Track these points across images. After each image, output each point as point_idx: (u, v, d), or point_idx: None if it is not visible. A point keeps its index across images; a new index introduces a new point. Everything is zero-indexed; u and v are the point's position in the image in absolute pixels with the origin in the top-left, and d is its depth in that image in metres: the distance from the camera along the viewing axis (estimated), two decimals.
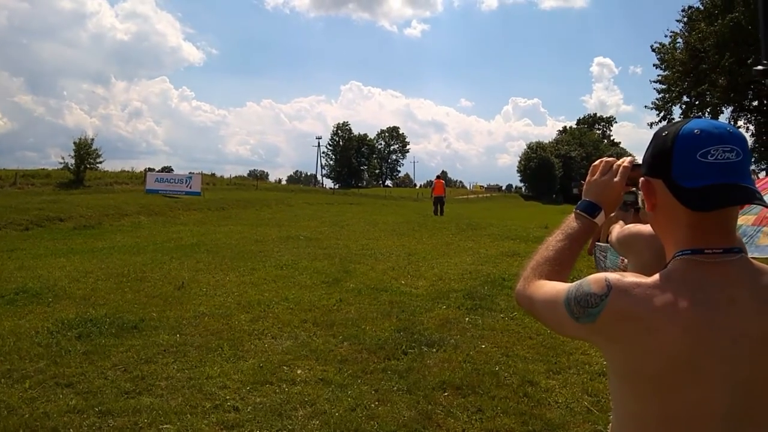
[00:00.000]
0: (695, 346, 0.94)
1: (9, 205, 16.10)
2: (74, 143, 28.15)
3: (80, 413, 3.69)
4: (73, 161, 27.98)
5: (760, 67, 1.03)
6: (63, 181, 27.39)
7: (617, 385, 1.06)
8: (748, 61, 25.83)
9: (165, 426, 3.53)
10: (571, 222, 1.24)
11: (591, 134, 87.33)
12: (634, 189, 1.27)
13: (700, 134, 0.99)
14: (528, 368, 4.57)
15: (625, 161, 1.24)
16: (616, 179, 1.22)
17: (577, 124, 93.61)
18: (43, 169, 32.08)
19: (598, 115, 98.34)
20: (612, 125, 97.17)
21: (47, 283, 7.40)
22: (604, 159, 1.28)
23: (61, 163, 28.38)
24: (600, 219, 1.23)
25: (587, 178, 1.28)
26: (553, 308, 1.10)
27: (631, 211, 2.97)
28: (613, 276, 1.02)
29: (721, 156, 0.97)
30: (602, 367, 4.48)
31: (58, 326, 5.44)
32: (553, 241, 1.23)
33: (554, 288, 1.12)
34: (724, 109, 29.74)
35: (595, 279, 1.04)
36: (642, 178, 1.10)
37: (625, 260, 2.60)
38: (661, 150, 1.04)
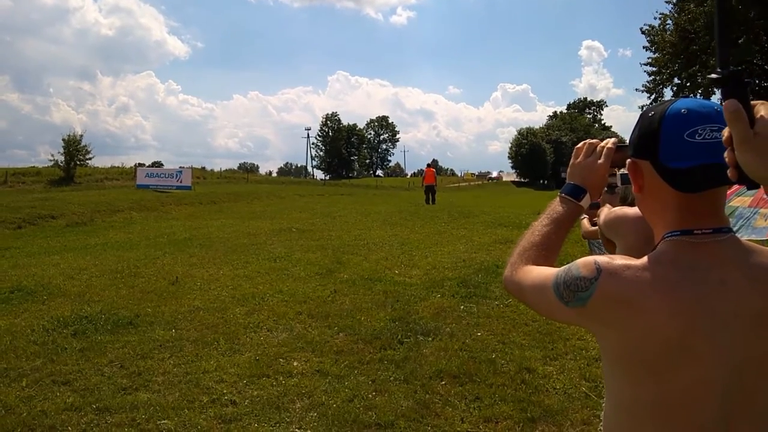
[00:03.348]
0: (687, 328, 0.93)
1: (0, 204, 15.97)
2: (63, 140, 27.90)
3: (78, 410, 3.68)
4: (62, 158, 27.77)
5: (713, 75, 1.02)
6: (53, 179, 27.20)
7: (610, 370, 1.05)
8: (739, 41, 25.87)
9: (163, 421, 3.54)
10: (556, 206, 1.22)
11: (582, 119, 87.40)
12: (618, 171, 1.26)
13: (687, 114, 0.98)
14: (525, 355, 4.60)
15: (609, 142, 1.22)
16: (600, 161, 1.20)
17: (568, 108, 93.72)
18: (34, 166, 31.85)
19: (588, 99, 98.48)
20: (603, 109, 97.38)
21: (42, 281, 7.36)
22: (588, 141, 1.25)
23: (50, 160, 28.20)
24: (585, 202, 1.21)
25: (571, 161, 1.25)
26: (542, 293, 1.08)
27: (617, 194, 2.98)
28: (602, 259, 1.00)
29: (708, 135, 0.96)
30: (599, 352, 4.50)
31: (53, 324, 5.42)
32: (539, 225, 1.21)
33: (542, 273, 1.11)
34: (715, 90, 29.72)
35: (584, 262, 1.02)
36: (629, 160, 1.08)
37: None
38: (648, 131, 1.02)
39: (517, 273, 1.17)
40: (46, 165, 29.50)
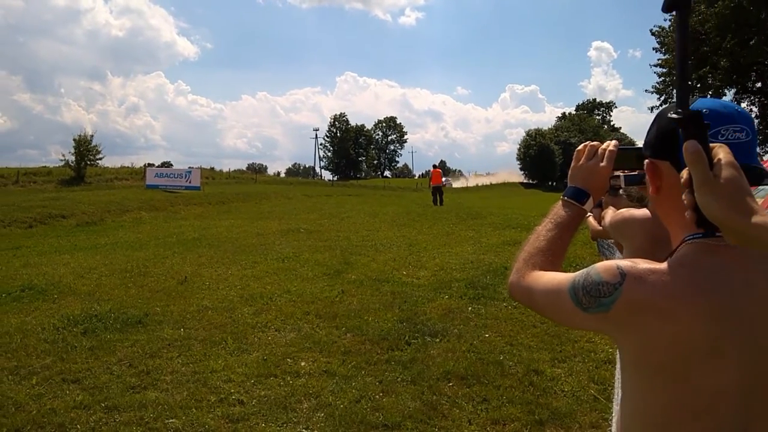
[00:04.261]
0: (715, 332, 0.91)
1: (12, 204, 16.13)
2: (74, 140, 28.18)
3: (87, 409, 3.71)
4: (73, 158, 28.02)
5: (673, 115, 1.02)
6: (64, 178, 27.46)
7: (631, 376, 1.02)
8: (750, 43, 25.67)
9: (170, 420, 3.55)
10: (559, 210, 1.20)
11: (591, 120, 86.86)
12: (620, 173, 1.24)
13: (709, 114, 0.96)
14: (533, 357, 4.57)
15: (610, 145, 1.20)
16: (602, 164, 1.17)
17: (577, 110, 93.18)
18: (45, 166, 32.18)
19: (597, 100, 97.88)
20: (612, 110, 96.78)
21: (52, 279, 7.42)
22: (589, 143, 1.23)
23: (61, 160, 28.50)
24: (588, 205, 1.19)
25: (572, 164, 1.23)
26: (556, 299, 1.06)
27: (621, 196, 2.98)
28: (625, 263, 0.98)
29: (732, 136, 0.95)
30: (608, 355, 4.49)
31: (63, 322, 5.46)
32: (543, 230, 1.19)
33: (554, 278, 1.08)
34: (726, 91, 29.52)
35: (605, 267, 0.99)
36: (647, 160, 1.07)
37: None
38: (668, 130, 1.00)
39: (525, 279, 1.14)
40: (57, 165, 29.84)
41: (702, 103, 1.00)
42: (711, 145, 0.85)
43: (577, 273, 1.04)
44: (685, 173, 0.85)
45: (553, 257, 1.15)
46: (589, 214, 3.08)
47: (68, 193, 20.53)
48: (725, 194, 0.79)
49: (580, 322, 1.04)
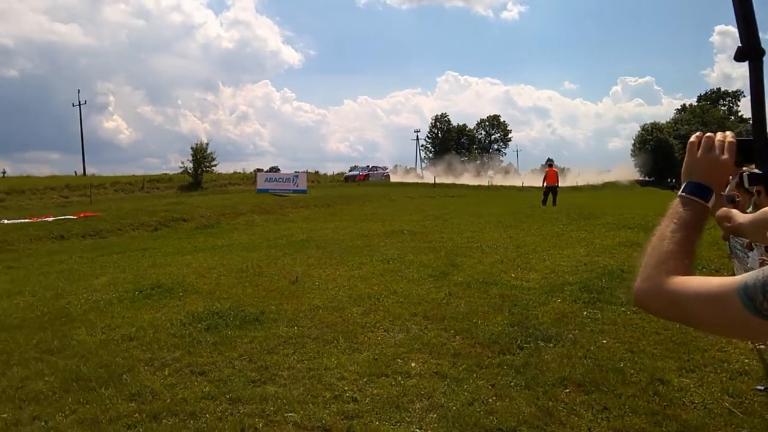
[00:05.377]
0: None
1: (140, 208, 17.73)
2: (191, 148, 30.52)
3: (213, 399, 3.95)
4: (191, 165, 30.30)
5: (757, 171, 0.89)
6: (183, 184, 29.79)
7: None
8: None
9: (289, 414, 3.69)
10: (679, 208, 1.07)
11: (715, 111, 79.99)
12: (744, 170, 1.11)
13: None
14: (657, 365, 4.27)
15: (728, 136, 1.07)
16: (724, 156, 1.05)
17: (698, 101, 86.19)
18: (166, 174, 35.11)
19: (722, 89, 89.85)
20: (740, 100, 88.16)
21: (177, 278, 8.02)
22: (704, 134, 1.11)
23: (181, 167, 31.00)
24: (712, 201, 1.07)
25: (686, 158, 1.11)
26: (720, 305, 0.93)
27: (739, 202, 2.68)
28: None
29: None
30: (743, 366, 4.10)
31: (189, 318, 5.88)
32: (668, 232, 1.07)
33: (710, 283, 0.96)
34: None
35: None
36: None
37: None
38: None
39: (665, 285, 1.01)
40: (176, 172, 32.45)
41: None
42: None
43: (746, 276, 0.92)
44: None
45: (687, 260, 1.03)
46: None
47: (187, 198, 22.20)
48: None
49: (753, 331, 0.92)
